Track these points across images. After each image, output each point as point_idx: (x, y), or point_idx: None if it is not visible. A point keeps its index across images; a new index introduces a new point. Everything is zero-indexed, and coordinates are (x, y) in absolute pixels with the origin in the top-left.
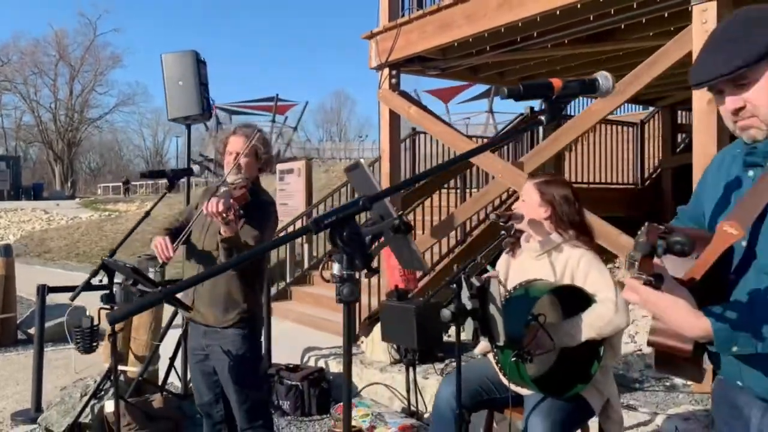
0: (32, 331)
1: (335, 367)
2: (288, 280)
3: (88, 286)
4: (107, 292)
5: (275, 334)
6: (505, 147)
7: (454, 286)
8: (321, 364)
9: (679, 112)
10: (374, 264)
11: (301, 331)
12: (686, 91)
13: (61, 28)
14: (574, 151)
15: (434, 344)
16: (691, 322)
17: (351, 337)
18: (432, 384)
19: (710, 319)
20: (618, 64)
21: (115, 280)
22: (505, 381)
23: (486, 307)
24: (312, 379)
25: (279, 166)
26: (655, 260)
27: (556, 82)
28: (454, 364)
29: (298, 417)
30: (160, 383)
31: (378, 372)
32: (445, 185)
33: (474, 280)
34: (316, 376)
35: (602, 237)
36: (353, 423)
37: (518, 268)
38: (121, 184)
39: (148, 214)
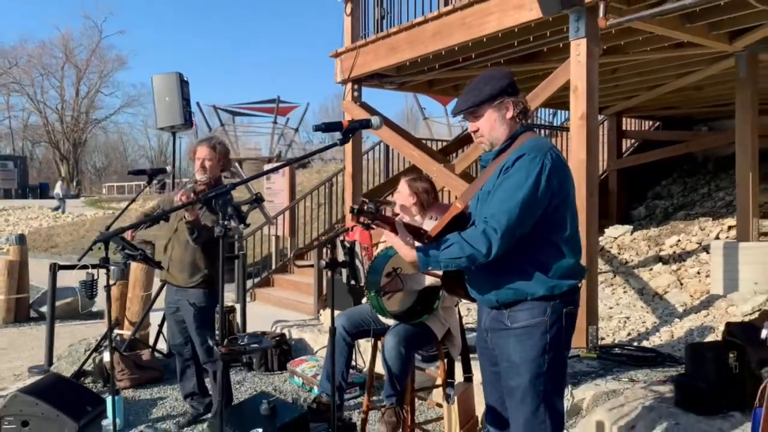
0: (43, 309)
1: (296, 334)
2: (271, 269)
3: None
4: (104, 255)
5: (256, 315)
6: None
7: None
8: (285, 331)
9: (624, 119)
10: (248, 221)
11: (278, 311)
12: (628, 100)
13: (67, 31)
14: None
15: None
16: (407, 253)
17: (219, 273)
18: (366, 344)
19: (416, 251)
20: None
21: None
22: (379, 317)
23: (353, 260)
24: (275, 341)
25: (266, 167)
26: (408, 219)
27: (345, 123)
28: None
29: (262, 372)
30: (150, 344)
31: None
32: None
33: (346, 242)
34: (279, 340)
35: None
36: (302, 375)
37: None
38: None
39: (133, 200)
